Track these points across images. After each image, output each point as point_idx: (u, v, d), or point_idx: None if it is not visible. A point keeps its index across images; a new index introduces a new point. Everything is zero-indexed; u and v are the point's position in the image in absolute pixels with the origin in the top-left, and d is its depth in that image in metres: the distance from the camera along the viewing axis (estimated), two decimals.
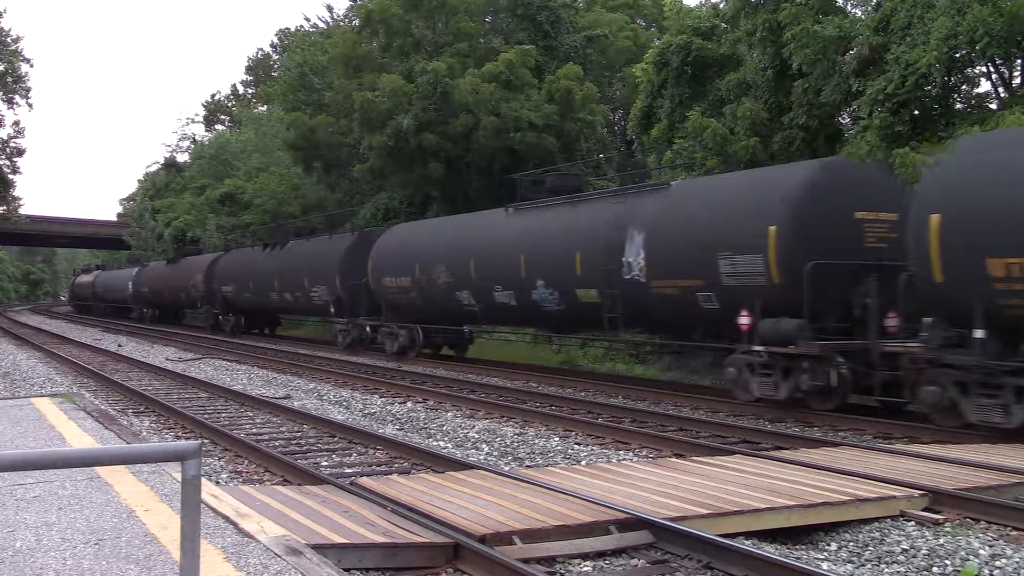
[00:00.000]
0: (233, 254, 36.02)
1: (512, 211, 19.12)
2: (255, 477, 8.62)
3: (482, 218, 20.74)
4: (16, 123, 47.16)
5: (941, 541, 6.09)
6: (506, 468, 8.76)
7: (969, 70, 16.21)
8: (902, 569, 5.76)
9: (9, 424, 8.89)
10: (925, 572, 5.70)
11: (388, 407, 13.67)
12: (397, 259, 22.08)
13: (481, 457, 9.80)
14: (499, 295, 18.32)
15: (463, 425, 11.81)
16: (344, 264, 24.86)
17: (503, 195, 27.36)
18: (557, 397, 14.53)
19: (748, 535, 6.14)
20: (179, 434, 11.25)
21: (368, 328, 23.83)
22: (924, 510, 6.69)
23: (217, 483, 7.90)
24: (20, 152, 42.89)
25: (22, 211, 47.43)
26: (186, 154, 65.61)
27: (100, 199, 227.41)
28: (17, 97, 40.58)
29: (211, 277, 35.65)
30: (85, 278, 63.70)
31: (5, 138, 42.00)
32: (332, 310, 25.61)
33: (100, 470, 6.41)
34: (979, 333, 9.86)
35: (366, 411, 13.41)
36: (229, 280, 34.18)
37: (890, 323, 11.96)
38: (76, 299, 67.79)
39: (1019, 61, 15.84)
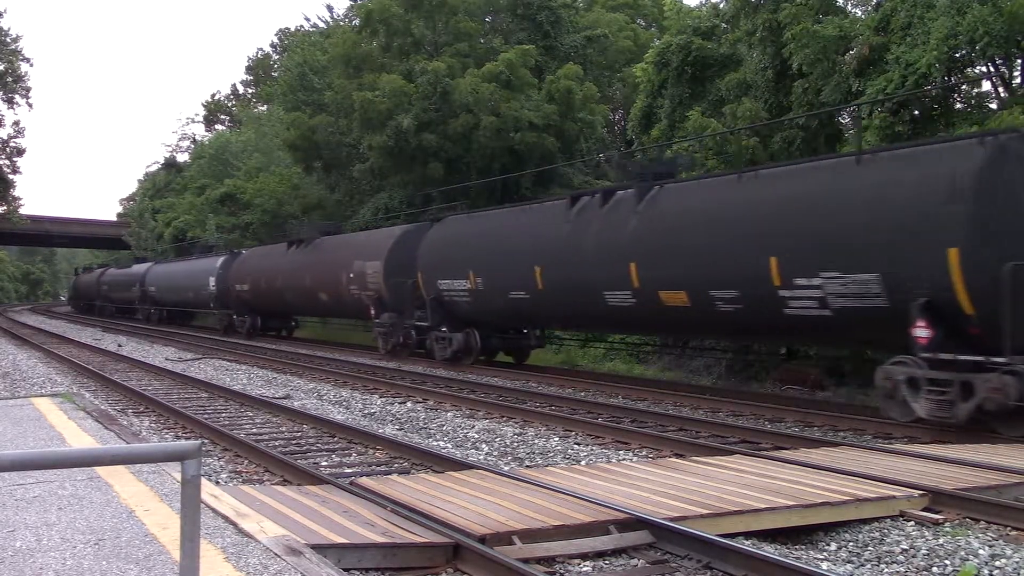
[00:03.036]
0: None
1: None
2: (255, 477, 8.62)
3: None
4: (16, 123, 47.43)
5: (941, 541, 6.09)
6: (506, 468, 8.76)
7: (969, 70, 16.21)
8: (902, 569, 5.76)
9: (9, 424, 8.89)
10: (925, 572, 5.70)
11: (388, 407, 13.67)
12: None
13: (481, 457, 9.80)
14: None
15: (463, 425, 11.81)
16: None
17: (503, 196, 27.48)
18: (557, 397, 14.53)
19: (748, 535, 6.14)
20: (179, 434, 11.24)
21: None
22: (924, 510, 6.69)
23: (217, 483, 7.90)
24: (20, 152, 43.08)
25: (22, 211, 47.50)
26: (186, 154, 65.75)
27: (100, 199, 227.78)
28: (17, 97, 40.71)
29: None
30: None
31: (5, 138, 42.13)
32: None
33: (100, 470, 6.41)
34: None
35: (366, 411, 13.41)
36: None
37: None
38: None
39: (1019, 61, 15.84)
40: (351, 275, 23.94)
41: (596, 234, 15.48)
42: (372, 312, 23.05)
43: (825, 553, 6.12)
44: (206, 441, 10.19)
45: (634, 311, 14.76)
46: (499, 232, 18.72)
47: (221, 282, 34.18)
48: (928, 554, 5.90)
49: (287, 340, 31.91)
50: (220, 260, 35.28)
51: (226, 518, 5.29)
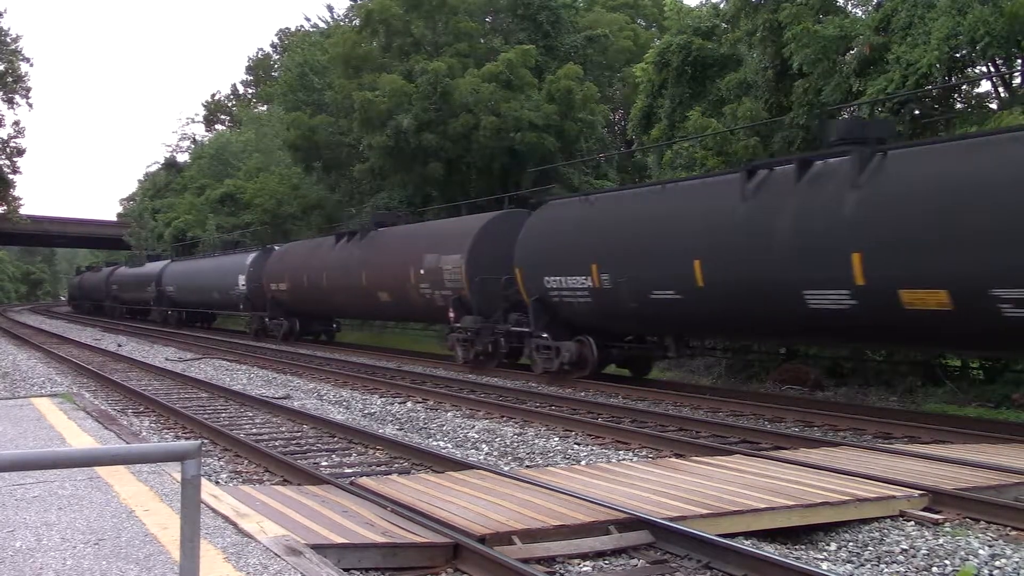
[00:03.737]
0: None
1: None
2: (255, 477, 8.62)
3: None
4: (16, 123, 47.41)
5: (941, 541, 6.09)
6: (506, 468, 8.76)
7: (970, 70, 16.21)
8: (902, 569, 5.76)
9: (9, 424, 8.89)
10: (925, 572, 5.70)
11: (388, 407, 13.67)
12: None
13: (481, 457, 9.80)
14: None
15: (463, 425, 11.81)
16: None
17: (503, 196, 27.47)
18: (557, 397, 14.53)
19: (748, 535, 6.14)
20: (179, 434, 11.24)
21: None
22: (924, 510, 6.69)
23: (217, 483, 7.90)
24: (20, 152, 43.04)
25: (22, 211, 47.49)
26: (186, 154, 65.82)
27: (100, 199, 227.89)
28: (17, 97, 40.70)
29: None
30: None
31: (5, 138, 42.12)
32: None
33: (100, 470, 6.41)
34: None
35: (366, 411, 13.41)
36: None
37: None
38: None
39: (1019, 61, 15.84)
40: (421, 271, 20.67)
41: (791, 215, 12.01)
42: (451, 315, 19.57)
43: (825, 553, 6.12)
44: (206, 441, 10.19)
45: (854, 316, 11.24)
46: (637, 217, 14.91)
47: (253, 281, 30.95)
48: (928, 554, 5.89)
49: (330, 346, 28.00)
50: (251, 256, 32.11)
51: (226, 518, 5.29)
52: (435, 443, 10.67)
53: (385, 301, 23.08)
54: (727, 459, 8.40)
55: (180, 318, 40.86)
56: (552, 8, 32.38)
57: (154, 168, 69.15)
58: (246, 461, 9.33)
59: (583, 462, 9.24)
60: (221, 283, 33.79)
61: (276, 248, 31.87)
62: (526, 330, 17.32)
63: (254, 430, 11.37)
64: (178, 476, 3.48)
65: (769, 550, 5.89)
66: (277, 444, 10.29)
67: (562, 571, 5.50)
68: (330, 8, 65.84)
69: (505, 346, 18.37)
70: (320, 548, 5.00)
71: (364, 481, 7.20)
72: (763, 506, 6.33)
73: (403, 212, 27.44)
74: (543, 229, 17.15)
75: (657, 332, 15.93)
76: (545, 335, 16.71)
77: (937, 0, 14.88)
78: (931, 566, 5.74)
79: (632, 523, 5.94)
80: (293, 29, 59.52)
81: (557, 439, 10.74)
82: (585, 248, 15.58)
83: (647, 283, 14.25)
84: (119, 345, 27.96)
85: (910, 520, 6.53)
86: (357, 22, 35.79)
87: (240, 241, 40.47)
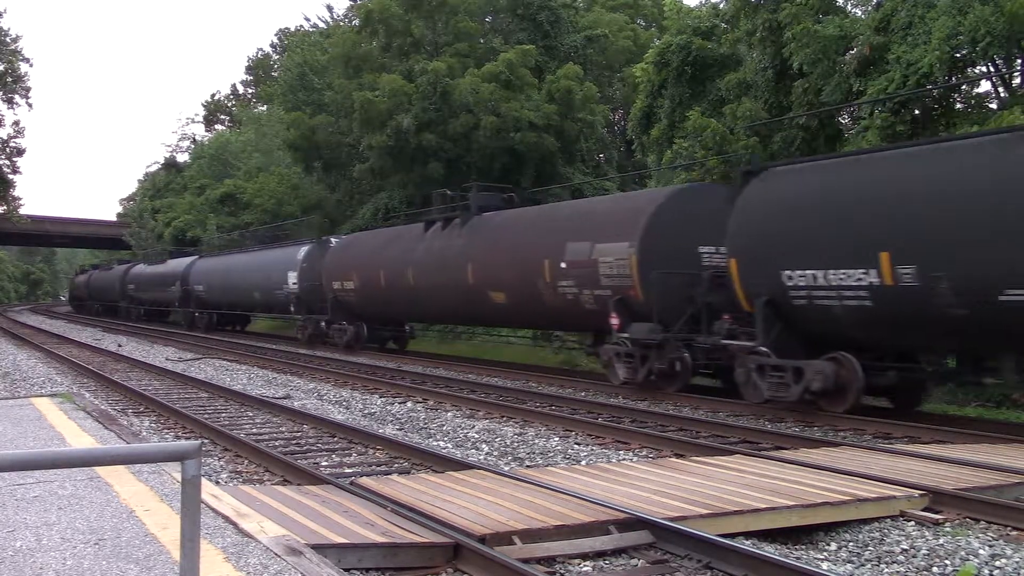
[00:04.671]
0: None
1: None
2: (255, 477, 8.61)
3: None
4: (16, 123, 47.39)
5: (941, 541, 6.08)
6: (506, 468, 8.76)
7: (970, 70, 16.22)
8: (902, 569, 5.76)
9: (9, 424, 8.89)
10: (925, 572, 5.70)
11: (388, 407, 13.67)
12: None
13: (481, 457, 9.80)
14: None
15: (463, 425, 11.80)
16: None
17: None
18: (557, 397, 14.52)
19: (748, 535, 6.14)
20: (179, 434, 11.24)
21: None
22: (924, 510, 6.69)
23: (217, 483, 7.90)
24: (20, 152, 43.08)
25: (22, 211, 47.49)
26: (186, 154, 65.80)
27: (100, 199, 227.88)
28: (17, 97, 40.73)
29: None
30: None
31: (5, 138, 42.14)
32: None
33: (100, 470, 6.41)
34: None
35: (366, 411, 13.40)
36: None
37: None
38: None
39: (1019, 61, 15.85)
40: (562, 265, 16.28)
41: None
42: (614, 322, 15.08)
43: (825, 553, 6.12)
44: (206, 441, 10.19)
45: None
46: (971, 180, 10.34)
47: (307, 278, 26.81)
48: (928, 554, 5.89)
49: (409, 357, 23.19)
50: (304, 250, 27.90)
51: (226, 518, 5.29)
52: (435, 443, 10.67)
53: (499, 303, 18.60)
54: (727, 459, 8.40)
55: (211, 321, 36.54)
56: (552, 8, 32.42)
57: (154, 168, 69.16)
58: (246, 461, 9.32)
59: (583, 462, 9.24)
60: (265, 282, 29.48)
61: (334, 240, 27.96)
62: (748, 344, 12.70)
63: (254, 430, 11.37)
64: (178, 476, 3.48)
65: (769, 550, 5.89)
66: (277, 444, 10.28)
67: (562, 571, 5.50)
68: (330, 8, 65.96)
69: (692, 365, 14.18)
70: (320, 548, 5.00)
71: (364, 481, 7.20)
72: (763, 506, 6.33)
73: (508, 193, 21.73)
74: (778, 205, 12.59)
75: (996, 350, 11.10)
76: (771, 351, 12.29)
77: (937, 0, 14.89)
78: (931, 566, 5.74)
79: (632, 523, 5.94)
80: (293, 29, 59.61)
81: (557, 439, 10.74)
82: (864, 231, 11.11)
83: (994, 280, 9.84)
84: (119, 345, 27.96)
85: (910, 520, 6.53)
86: (357, 22, 35.82)
87: (286, 233, 36.73)
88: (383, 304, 23.44)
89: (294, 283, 27.59)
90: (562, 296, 16.45)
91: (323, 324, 26.17)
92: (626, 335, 14.91)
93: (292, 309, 28.32)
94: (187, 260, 39.24)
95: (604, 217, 16.31)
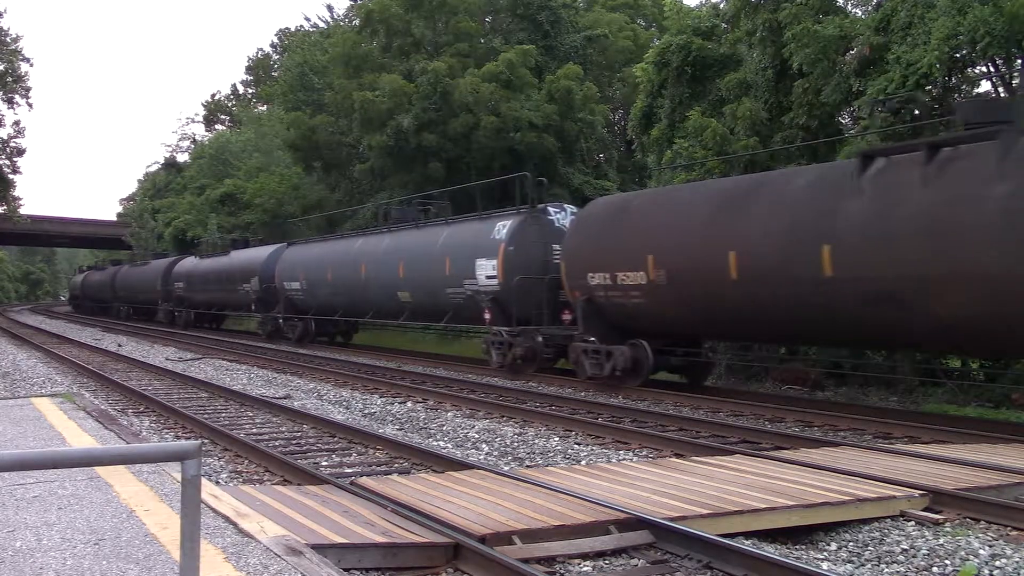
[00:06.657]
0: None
1: None
2: (255, 477, 8.61)
3: None
4: (16, 123, 47.29)
5: (941, 541, 6.08)
6: (506, 468, 8.76)
7: (970, 70, 16.21)
8: (902, 569, 5.76)
9: (9, 424, 8.89)
10: (925, 572, 5.70)
11: (388, 407, 13.67)
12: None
13: (481, 457, 9.79)
14: None
15: (463, 425, 11.80)
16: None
17: (502, 196, 27.46)
18: (557, 397, 14.53)
19: (748, 535, 6.14)
20: (179, 434, 11.24)
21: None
22: (924, 510, 6.69)
23: (217, 483, 7.90)
24: (20, 152, 43.01)
25: (22, 211, 47.45)
26: (186, 154, 65.83)
27: (100, 199, 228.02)
28: (17, 97, 40.69)
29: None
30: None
31: (5, 138, 42.10)
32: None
33: (100, 470, 6.41)
34: None
35: (366, 411, 13.40)
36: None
37: None
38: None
39: (1019, 61, 15.84)
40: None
41: None
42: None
43: (825, 553, 6.12)
44: (206, 441, 10.19)
45: None
46: None
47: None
48: (928, 554, 5.89)
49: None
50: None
51: (226, 518, 5.29)
52: (435, 443, 10.66)
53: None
54: (727, 459, 8.40)
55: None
56: (552, 8, 32.42)
57: (154, 168, 69.23)
58: (246, 461, 9.32)
59: (583, 462, 9.24)
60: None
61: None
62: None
63: (254, 430, 11.37)
64: (178, 476, 3.48)
65: (769, 550, 5.89)
66: (277, 444, 10.28)
67: (562, 571, 5.50)
68: (330, 8, 65.82)
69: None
70: (320, 548, 5.00)
71: (364, 481, 7.20)
72: (763, 506, 6.33)
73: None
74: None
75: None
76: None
77: (937, 0, 14.88)
78: (931, 566, 5.74)
79: (632, 523, 5.94)
80: (293, 29, 59.58)
81: (557, 439, 10.74)
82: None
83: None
84: (119, 345, 27.95)
85: (910, 520, 6.53)
86: (357, 22, 35.84)
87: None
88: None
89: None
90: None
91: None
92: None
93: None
94: (266, 250, 35.84)
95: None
